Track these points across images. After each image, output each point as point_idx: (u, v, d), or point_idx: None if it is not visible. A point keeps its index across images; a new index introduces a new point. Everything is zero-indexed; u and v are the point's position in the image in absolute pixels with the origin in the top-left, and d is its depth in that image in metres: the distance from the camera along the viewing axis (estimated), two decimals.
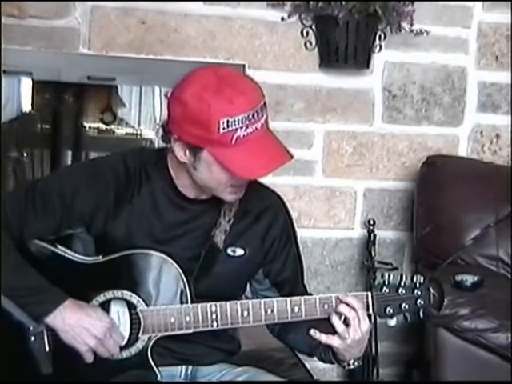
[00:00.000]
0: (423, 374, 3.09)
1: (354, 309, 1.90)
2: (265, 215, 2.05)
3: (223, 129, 1.80)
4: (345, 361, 1.97)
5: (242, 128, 1.81)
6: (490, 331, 2.80)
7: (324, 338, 1.92)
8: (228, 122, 1.80)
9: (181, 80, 1.89)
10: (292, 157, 1.88)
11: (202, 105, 1.81)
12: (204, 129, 1.82)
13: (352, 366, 1.98)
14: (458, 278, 2.70)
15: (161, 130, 1.94)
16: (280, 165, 1.87)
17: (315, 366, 2.89)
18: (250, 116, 1.81)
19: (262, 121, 1.84)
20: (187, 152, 1.89)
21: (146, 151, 2.09)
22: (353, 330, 1.90)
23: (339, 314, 1.91)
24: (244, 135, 1.81)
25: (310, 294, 2.04)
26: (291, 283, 2.10)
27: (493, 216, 3.21)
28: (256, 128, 1.83)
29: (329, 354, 1.97)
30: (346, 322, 1.90)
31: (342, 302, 1.92)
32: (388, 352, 3.47)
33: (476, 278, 2.68)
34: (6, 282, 1.86)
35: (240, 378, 2.04)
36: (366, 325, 1.91)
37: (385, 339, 3.38)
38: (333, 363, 2.00)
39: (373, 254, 3.34)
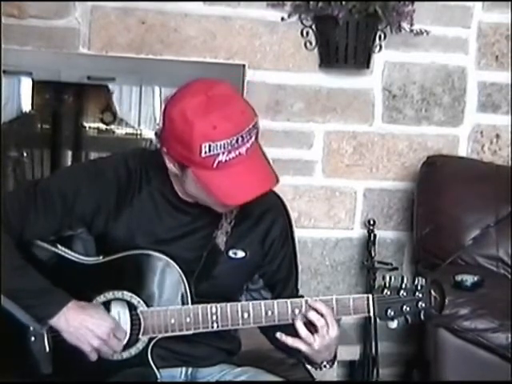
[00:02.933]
0: (423, 374, 3.09)
1: (322, 315, 1.91)
2: (265, 217, 2.05)
3: (205, 153, 1.79)
4: (316, 363, 1.99)
5: (223, 153, 1.79)
6: (489, 331, 2.80)
7: (290, 341, 1.93)
8: (210, 146, 1.78)
9: (175, 92, 1.88)
10: (278, 181, 1.86)
11: (186, 126, 1.80)
12: (187, 149, 1.81)
13: (325, 369, 2.00)
14: (458, 278, 2.70)
15: (156, 139, 1.94)
16: (261, 192, 1.85)
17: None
18: (234, 141, 1.79)
19: (248, 145, 1.81)
20: (176, 165, 1.89)
21: (147, 152, 2.08)
22: (321, 337, 1.90)
23: (307, 319, 1.91)
24: (226, 160, 1.80)
25: (301, 297, 2.05)
26: (282, 284, 2.10)
27: (493, 216, 3.21)
28: (239, 153, 1.80)
29: (301, 356, 1.99)
30: (315, 328, 1.91)
31: (310, 307, 1.92)
32: (388, 352, 3.47)
33: (476, 278, 2.68)
34: (9, 284, 1.87)
35: (240, 378, 2.04)
36: (334, 331, 1.92)
37: (385, 339, 3.38)
38: (305, 364, 2.03)
39: (373, 254, 3.34)
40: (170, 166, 1.90)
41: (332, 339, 1.92)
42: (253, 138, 1.83)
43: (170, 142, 1.86)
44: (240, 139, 1.80)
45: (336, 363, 3.22)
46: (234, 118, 1.81)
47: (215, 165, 1.80)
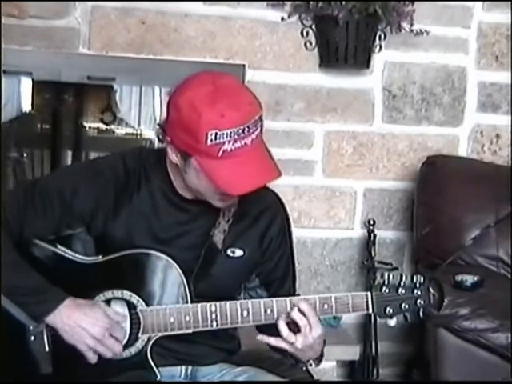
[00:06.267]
0: (423, 374, 3.09)
1: (305, 315, 1.91)
2: (263, 216, 2.06)
3: (211, 141, 1.80)
4: (302, 361, 2.01)
5: (229, 142, 1.80)
6: (489, 331, 2.80)
7: (273, 341, 1.94)
8: (216, 134, 1.79)
9: (182, 82, 1.90)
10: (280, 174, 1.87)
11: (194, 114, 1.81)
12: (193, 138, 1.82)
13: (312, 367, 2.03)
14: (458, 278, 2.70)
15: (159, 129, 1.94)
16: (263, 183, 1.87)
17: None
18: (240, 131, 1.80)
19: (253, 136, 1.83)
20: (178, 155, 1.89)
21: (146, 151, 2.09)
22: (303, 336, 1.91)
23: (290, 319, 1.92)
24: (231, 149, 1.81)
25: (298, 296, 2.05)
26: (278, 283, 2.10)
27: (493, 216, 3.20)
28: (245, 143, 1.82)
29: (286, 354, 2.00)
30: (298, 328, 1.91)
31: (294, 306, 1.92)
32: (388, 352, 3.47)
33: (476, 278, 2.68)
34: (5, 281, 1.87)
35: (240, 378, 2.04)
36: (317, 331, 1.93)
37: (385, 339, 3.38)
38: (292, 362, 2.04)
39: (373, 253, 3.33)
40: (173, 156, 1.90)
41: (315, 339, 1.93)
42: (258, 130, 1.85)
43: (175, 131, 1.86)
44: (246, 129, 1.81)
45: (336, 363, 3.26)
46: (241, 108, 1.82)
47: (220, 153, 1.81)
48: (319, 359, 2.03)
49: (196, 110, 1.81)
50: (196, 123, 1.80)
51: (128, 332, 1.94)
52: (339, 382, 3.40)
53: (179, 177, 1.96)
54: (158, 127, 1.95)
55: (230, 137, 1.80)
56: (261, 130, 1.86)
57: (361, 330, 3.45)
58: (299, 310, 1.92)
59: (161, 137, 1.93)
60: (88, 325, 1.88)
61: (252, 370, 2.06)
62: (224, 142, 1.80)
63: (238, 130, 1.80)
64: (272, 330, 1.96)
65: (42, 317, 1.88)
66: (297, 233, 3.30)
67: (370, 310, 1.94)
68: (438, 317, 2.53)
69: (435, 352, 2.87)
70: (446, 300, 1.96)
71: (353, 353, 3.29)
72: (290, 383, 2.07)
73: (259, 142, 1.86)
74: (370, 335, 3.34)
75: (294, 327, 1.93)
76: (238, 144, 1.81)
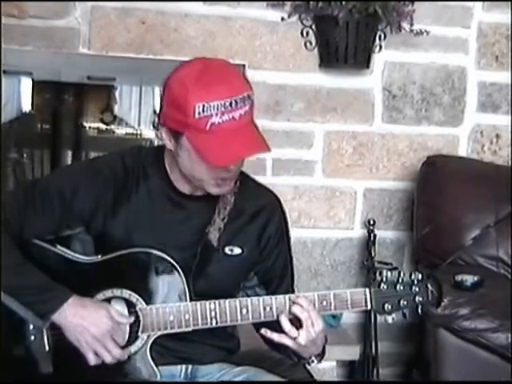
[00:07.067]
0: (423, 374, 3.09)
1: (305, 310, 1.92)
2: (261, 214, 2.06)
3: (198, 113, 1.82)
4: (305, 358, 2.01)
5: (217, 115, 1.81)
6: (489, 331, 2.80)
7: (276, 336, 1.94)
8: (204, 106, 1.81)
9: (175, 68, 1.93)
10: (269, 149, 1.88)
11: (182, 89, 1.84)
12: (181, 112, 1.84)
13: (314, 363, 2.03)
14: (458, 278, 2.70)
15: (155, 118, 1.96)
16: (250, 154, 1.88)
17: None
18: (227, 104, 1.82)
19: (242, 111, 1.84)
20: (172, 139, 1.91)
21: (144, 150, 2.10)
22: (306, 331, 1.92)
23: (292, 315, 1.93)
24: (219, 122, 1.82)
25: None
26: (277, 281, 2.11)
27: (493, 216, 3.20)
28: (233, 117, 1.83)
29: (289, 352, 2.00)
30: (300, 323, 1.92)
31: (294, 303, 1.93)
32: (388, 352, 3.47)
33: (476, 278, 2.68)
34: (10, 282, 1.88)
35: (239, 378, 2.04)
36: (319, 325, 1.93)
37: (385, 339, 3.38)
38: (294, 359, 2.04)
39: (373, 254, 3.33)
40: (167, 141, 1.92)
41: (317, 333, 1.93)
42: (247, 107, 1.85)
43: (167, 110, 1.89)
44: (234, 103, 1.83)
45: (336, 363, 3.25)
46: (228, 83, 1.84)
47: (208, 126, 1.82)
48: (321, 355, 2.03)
49: (185, 86, 1.83)
50: (184, 98, 1.83)
51: (127, 331, 1.94)
52: (339, 382, 3.40)
53: (176, 168, 1.97)
54: (155, 116, 1.96)
55: (218, 109, 1.81)
56: (250, 108, 1.87)
57: (361, 329, 3.45)
58: (299, 304, 1.92)
59: (156, 124, 1.95)
60: (91, 324, 1.88)
61: (252, 370, 2.06)
62: (212, 115, 1.81)
63: (225, 103, 1.82)
64: (271, 329, 1.97)
65: (48, 315, 1.88)
66: (297, 233, 3.33)
67: (369, 307, 1.94)
68: (438, 317, 2.53)
69: (435, 352, 2.87)
70: (444, 297, 1.96)
71: (353, 353, 3.29)
72: (290, 383, 2.07)
73: (248, 120, 1.87)
74: (369, 335, 3.34)
75: (296, 323, 1.93)
76: (225, 117, 1.82)
